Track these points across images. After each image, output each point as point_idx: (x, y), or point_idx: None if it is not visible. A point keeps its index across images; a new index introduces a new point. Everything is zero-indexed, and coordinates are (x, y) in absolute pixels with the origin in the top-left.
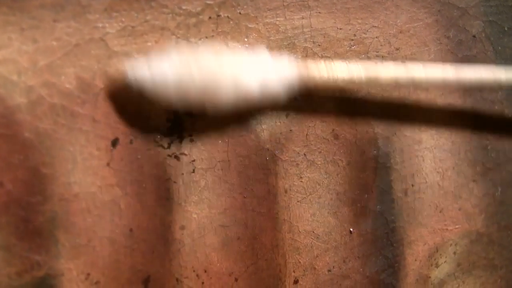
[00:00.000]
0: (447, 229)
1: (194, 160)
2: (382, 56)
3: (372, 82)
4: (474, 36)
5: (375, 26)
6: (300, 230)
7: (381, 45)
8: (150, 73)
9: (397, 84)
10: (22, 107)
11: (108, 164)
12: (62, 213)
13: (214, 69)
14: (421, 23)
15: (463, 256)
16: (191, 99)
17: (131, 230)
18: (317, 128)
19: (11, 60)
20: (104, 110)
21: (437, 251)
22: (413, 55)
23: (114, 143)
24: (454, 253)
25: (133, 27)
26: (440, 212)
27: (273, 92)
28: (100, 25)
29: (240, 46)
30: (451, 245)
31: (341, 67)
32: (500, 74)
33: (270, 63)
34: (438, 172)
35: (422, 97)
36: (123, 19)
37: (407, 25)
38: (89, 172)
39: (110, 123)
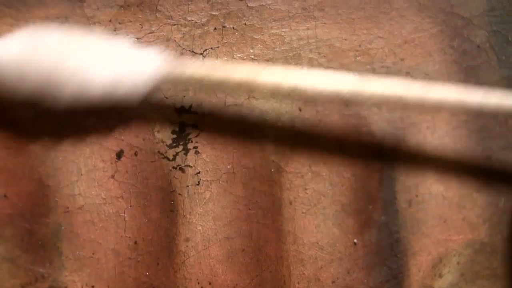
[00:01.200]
0: (450, 239)
1: (199, 172)
2: (387, 67)
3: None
4: (478, 46)
5: (380, 37)
6: (305, 242)
7: (386, 56)
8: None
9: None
10: (27, 118)
11: (112, 176)
12: (66, 225)
13: (56, 58)
14: (426, 33)
15: (467, 266)
16: (28, 89)
17: (135, 242)
18: (322, 140)
19: None
20: (109, 122)
21: (440, 262)
22: (417, 65)
23: (119, 155)
24: (458, 263)
25: (138, 38)
26: (444, 222)
27: (124, 91)
28: (105, 37)
29: (106, 36)
30: (454, 255)
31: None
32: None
33: (127, 57)
34: (441, 182)
35: (426, 106)
36: (128, 31)
37: (412, 35)
38: (93, 184)
39: (115, 134)
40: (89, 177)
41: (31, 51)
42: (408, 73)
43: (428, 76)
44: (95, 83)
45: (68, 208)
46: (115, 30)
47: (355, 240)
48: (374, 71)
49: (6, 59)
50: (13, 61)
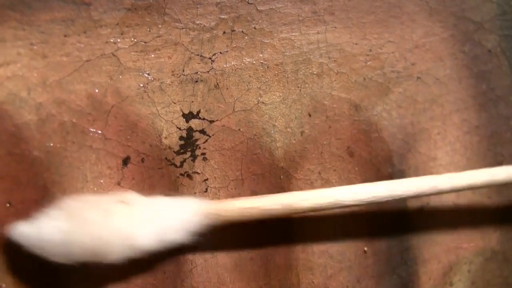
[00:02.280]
0: (461, 247)
1: (207, 179)
2: (398, 71)
3: (290, 211)
4: (489, 51)
5: (390, 41)
6: (314, 250)
7: (396, 60)
8: (36, 238)
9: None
10: (31, 124)
11: (119, 183)
12: None
13: (102, 230)
14: (437, 37)
15: (478, 275)
16: (80, 259)
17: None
18: (332, 146)
19: (20, 76)
20: (115, 128)
21: (451, 270)
22: (428, 70)
23: (125, 161)
24: (469, 271)
25: (145, 42)
26: (455, 230)
27: (172, 238)
28: (112, 40)
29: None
30: (465, 263)
31: (249, 202)
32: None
33: (168, 211)
34: None
35: (437, 112)
36: (136, 34)
37: (423, 40)
38: (99, 191)
39: (121, 141)
40: (95, 184)
41: (73, 231)
42: (419, 78)
43: (439, 81)
44: (145, 242)
45: None
46: (122, 34)
47: (365, 248)
48: (384, 76)
49: (56, 238)
50: (59, 234)
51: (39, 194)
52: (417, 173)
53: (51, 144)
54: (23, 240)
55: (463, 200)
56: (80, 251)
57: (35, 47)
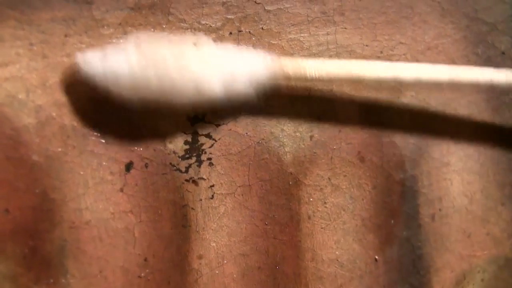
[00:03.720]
0: (474, 255)
1: (213, 185)
2: None
3: (353, 81)
4: (503, 53)
5: (402, 43)
6: (324, 258)
7: (408, 63)
8: (102, 67)
9: (380, 84)
10: (30, 128)
11: (121, 189)
12: (72, 241)
13: (172, 66)
14: (449, 39)
15: (491, 283)
16: (146, 97)
17: (145, 259)
18: (342, 151)
19: (19, 78)
20: (118, 132)
21: (464, 278)
22: None
23: (128, 167)
24: (482, 280)
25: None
26: (468, 237)
27: (240, 91)
28: (115, 40)
29: (208, 40)
30: (478, 271)
31: (316, 64)
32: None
33: (237, 59)
34: (466, 195)
35: (450, 117)
36: (139, 35)
37: (435, 42)
38: (101, 197)
39: (124, 145)
40: (96, 190)
41: (142, 64)
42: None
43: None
44: (213, 88)
45: (74, 223)
46: (125, 34)
47: (376, 257)
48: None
49: (123, 70)
50: (129, 71)
51: (38, 201)
52: (429, 178)
53: (51, 149)
54: (89, 68)
55: (476, 206)
56: (146, 87)
57: (35, 47)
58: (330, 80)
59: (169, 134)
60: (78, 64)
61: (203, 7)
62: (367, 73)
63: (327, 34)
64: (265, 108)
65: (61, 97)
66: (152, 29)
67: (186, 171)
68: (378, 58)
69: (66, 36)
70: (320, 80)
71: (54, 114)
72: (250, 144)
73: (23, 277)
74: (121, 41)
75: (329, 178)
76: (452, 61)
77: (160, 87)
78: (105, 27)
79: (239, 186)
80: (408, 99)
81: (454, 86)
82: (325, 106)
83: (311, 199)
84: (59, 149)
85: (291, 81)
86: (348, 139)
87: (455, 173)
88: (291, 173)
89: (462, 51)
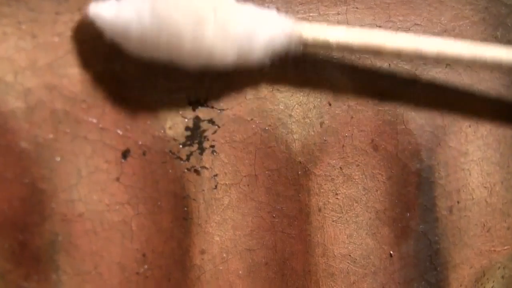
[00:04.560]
0: (494, 251)
1: (216, 175)
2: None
3: (374, 51)
4: None
5: (417, 24)
6: (335, 254)
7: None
8: (114, 16)
9: (401, 56)
10: (18, 112)
11: (117, 179)
12: (64, 235)
13: (186, 32)
14: (467, 21)
15: None
16: (155, 49)
17: (144, 255)
18: (355, 139)
19: (6, 58)
20: (114, 117)
21: (484, 275)
22: None
23: (125, 154)
24: (502, 277)
25: None
26: (488, 231)
27: (254, 59)
28: None
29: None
30: (499, 268)
31: (339, 30)
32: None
33: (256, 19)
34: (485, 187)
35: (468, 104)
36: None
37: (452, 23)
38: (95, 188)
39: (120, 131)
40: (90, 180)
41: (154, 16)
42: (449, 65)
43: (469, 69)
44: (222, 54)
45: (66, 215)
46: None
47: (391, 252)
48: (411, 62)
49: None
50: (139, 27)
51: (27, 192)
52: (447, 169)
53: (41, 135)
54: (101, 21)
55: (495, 198)
56: (156, 48)
57: (23, 26)
58: (350, 50)
59: (169, 119)
60: (90, 16)
61: None
62: (388, 43)
63: (338, 14)
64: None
65: (52, 80)
66: None
67: (187, 160)
68: None
69: (57, 13)
70: (339, 49)
71: (44, 98)
72: (256, 130)
73: (12, 273)
74: None
75: (340, 168)
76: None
77: (170, 49)
78: None
79: (245, 176)
80: (424, 84)
81: (473, 71)
82: (336, 91)
83: (321, 190)
84: (50, 136)
85: (309, 49)
86: (361, 126)
87: (473, 163)
88: (300, 162)
89: (480, 34)
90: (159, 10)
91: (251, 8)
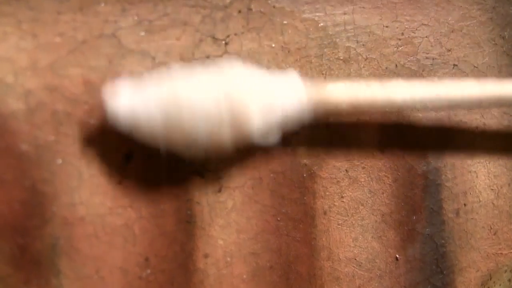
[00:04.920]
0: (501, 254)
1: (220, 178)
2: (433, 58)
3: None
4: None
5: (424, 24)
6: (341, 257)
7: (431, 46)
8: (129, 107)
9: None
10: (18, 114)
11: (120, 182)
12: (65, 238)
13: (206, 104)
14: (475, 21)
15: None
16: (179, 141)
17: (146, 258)
18: (361, 141)
19: (7, 59)
20: None
21: (490, 279)
22: (465, 57)
23: (128, 157)
24: (509, 280)
25: (150, 21)
26: (494, 234)
27: (282, 126)
28: (112, 18)
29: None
30: (506, 271)
31: (360, 88)
32: None
33: (276, 90)
34: (492, 189)
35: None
36: (139, 12)
37: (459, 23)
38: (97, 191)
39: (122, 134)
40: (92, 183)
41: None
42: (456, 66)
43: (477, 69)
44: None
45: (67, 219)
46: (123, 11)
47: (397, 255)
48: (418, 62)
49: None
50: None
51: (28, 195)
52: (454, 171)
53: (42, 137)
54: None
55: (503, 201)
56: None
57: (24, 26)
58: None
59: None
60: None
61: None
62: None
63: (344, 13)
64: None
65: (53, 81)
66: (154, 6)
67: (191, 162)
68: (399, 40)
69: (58, 13)
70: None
71: (45, 99)
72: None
73: (12, 277)
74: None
75: (346, 170)
76: (477, 44)
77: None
78: (102, 4)
79: (249, 179)
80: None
81: (480, 71)
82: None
83: (327, 193)
84: (51, 138)
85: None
86: (367, 128)
87: (480, 165)
88: (305, 165)
89: (488, 34)
90: (170, 115)
91: (263, 82)
